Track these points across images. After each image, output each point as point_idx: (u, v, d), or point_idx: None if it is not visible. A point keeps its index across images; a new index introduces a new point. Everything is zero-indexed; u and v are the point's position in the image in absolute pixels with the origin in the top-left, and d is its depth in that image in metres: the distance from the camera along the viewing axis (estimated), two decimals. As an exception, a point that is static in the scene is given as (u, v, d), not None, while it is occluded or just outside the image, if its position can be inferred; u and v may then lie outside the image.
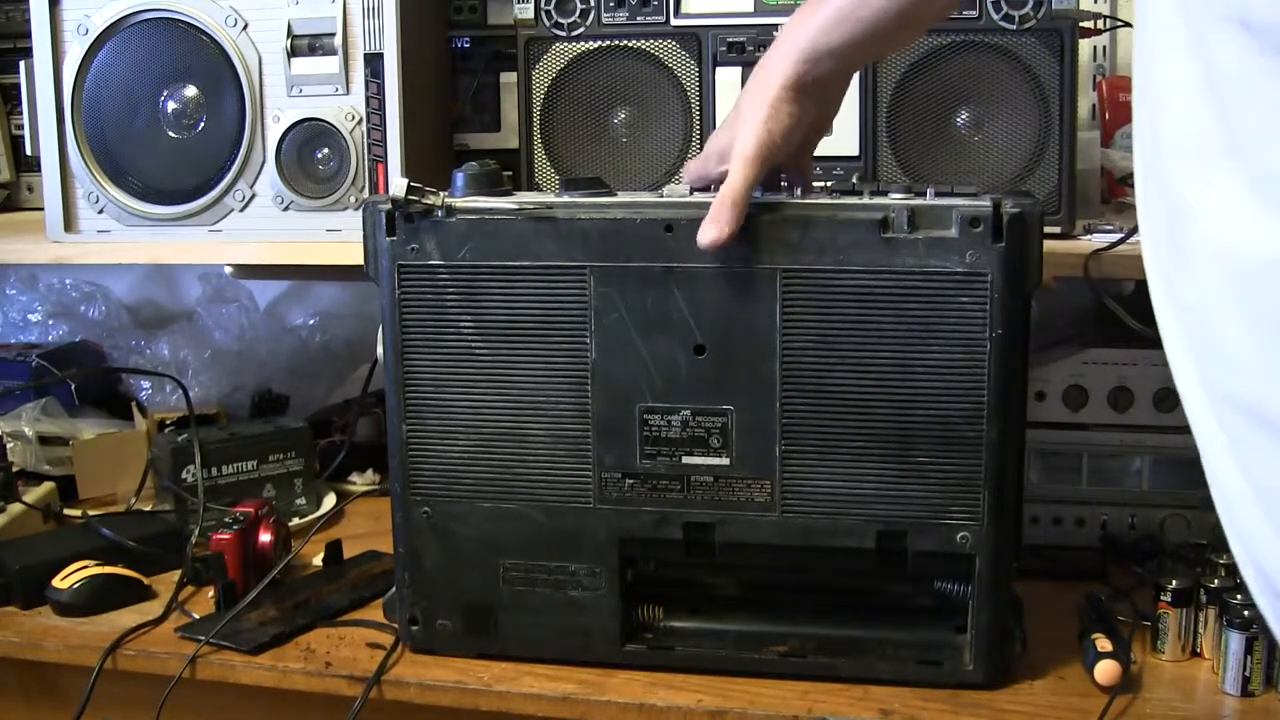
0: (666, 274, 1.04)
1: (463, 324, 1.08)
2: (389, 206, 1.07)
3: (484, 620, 1.12)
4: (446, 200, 1.07)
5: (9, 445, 1.51)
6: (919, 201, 1.01)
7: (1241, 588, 1.09)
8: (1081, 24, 1.31)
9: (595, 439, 1.07)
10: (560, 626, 1.11)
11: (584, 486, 1.08)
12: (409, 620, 1.14)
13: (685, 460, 1.07)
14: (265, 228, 1.39)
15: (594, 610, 1.10)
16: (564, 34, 1.37)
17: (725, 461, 1.06)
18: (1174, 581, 1.12)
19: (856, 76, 1.30)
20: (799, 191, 1.06)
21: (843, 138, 1.32)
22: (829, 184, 1.32)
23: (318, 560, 1.35)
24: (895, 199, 1.02)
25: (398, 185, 1.05)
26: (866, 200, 1.03)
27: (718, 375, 1.05)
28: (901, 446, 1.03)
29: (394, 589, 1.15)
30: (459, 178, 1.09)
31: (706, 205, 1.04)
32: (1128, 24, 1.49)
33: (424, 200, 1.06)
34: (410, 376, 1.10)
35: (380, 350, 1.13)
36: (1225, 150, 0.64)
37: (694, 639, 1.12)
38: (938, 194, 1.03)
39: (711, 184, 1.06)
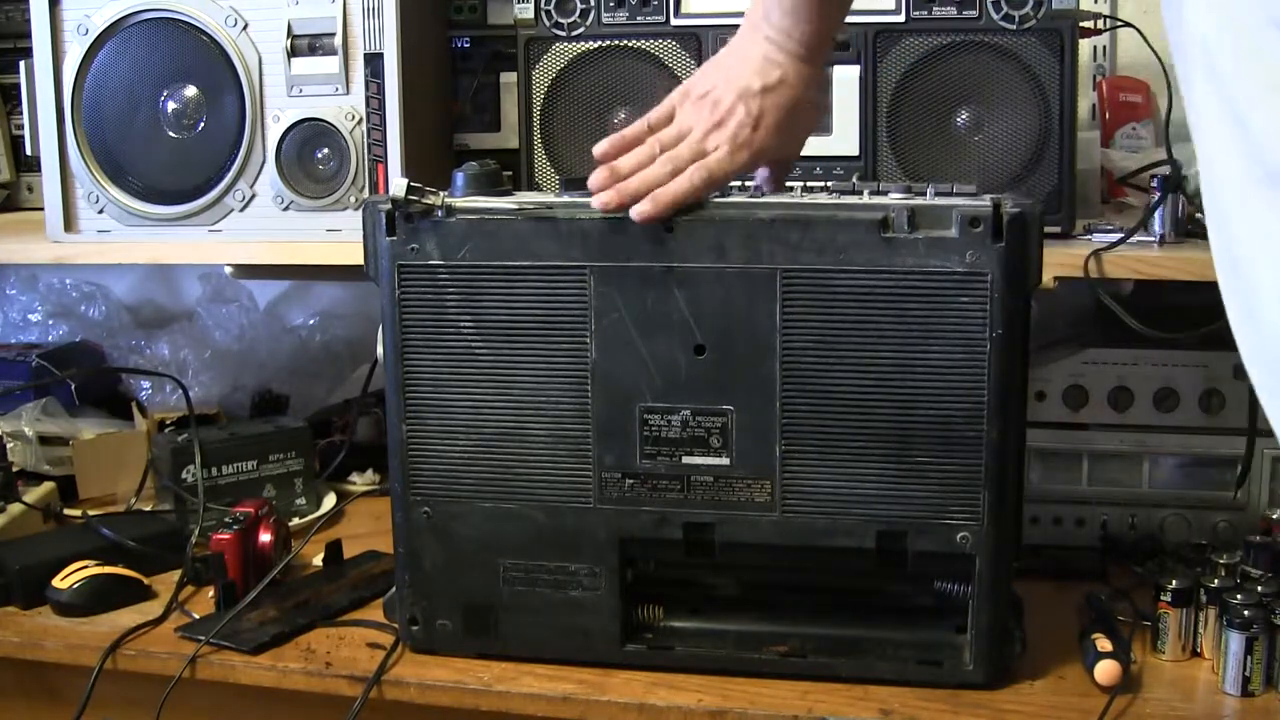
0: (666, 274, 1.03)
1: (463, 324, 1.08)
2: (389, 206, 1.07)
3: (484, 620, 1.12)
4: (446, 200, 1.07)
5: (9, 445, 1.51)
6: (919, 201, 1.01)
7: (1241, 588, 1.09)
8: (1081, 24, 1.31)
9: (595, 439, 1.07)
10: (560, 626, 1.11)
11: (584, 486, 1.08)
12: (409, 620, 1.14)
13: (685, 460, 1.07)
14: (265, 228, 1.39)
15: (594, 610, 1.10)
16: (564, 34, 1.37)
17: (725, 461, 1.06)
18: (1174, 581, 1.11)
19: (857, 76, 1.31)
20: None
21: (843, 138, 1.32)
22: (829, 184, 1.32)
23: (318, 560, 1.35)
24: (895, 199, 1.02)
25: (398, 185, 1.05)
26: (866, 200, 1.03)
27: (718, 375, 1.04)
28: (901, 446, 1.03)
29: (394, 589, 1.15)
30: (459, 178, 1.09)
31: (708, 205, 1.04)
32: (1128, 24, 1.49)
33: (424, 200, 1.06)
34: (410, 376, 1.09)
35: (380, 350, 1.13)
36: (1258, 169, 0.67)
37: (694, 639, 1.12)
38: (938, 193, 1.03)
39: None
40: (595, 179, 1.05)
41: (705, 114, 1.07)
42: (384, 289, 1.09)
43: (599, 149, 1.07)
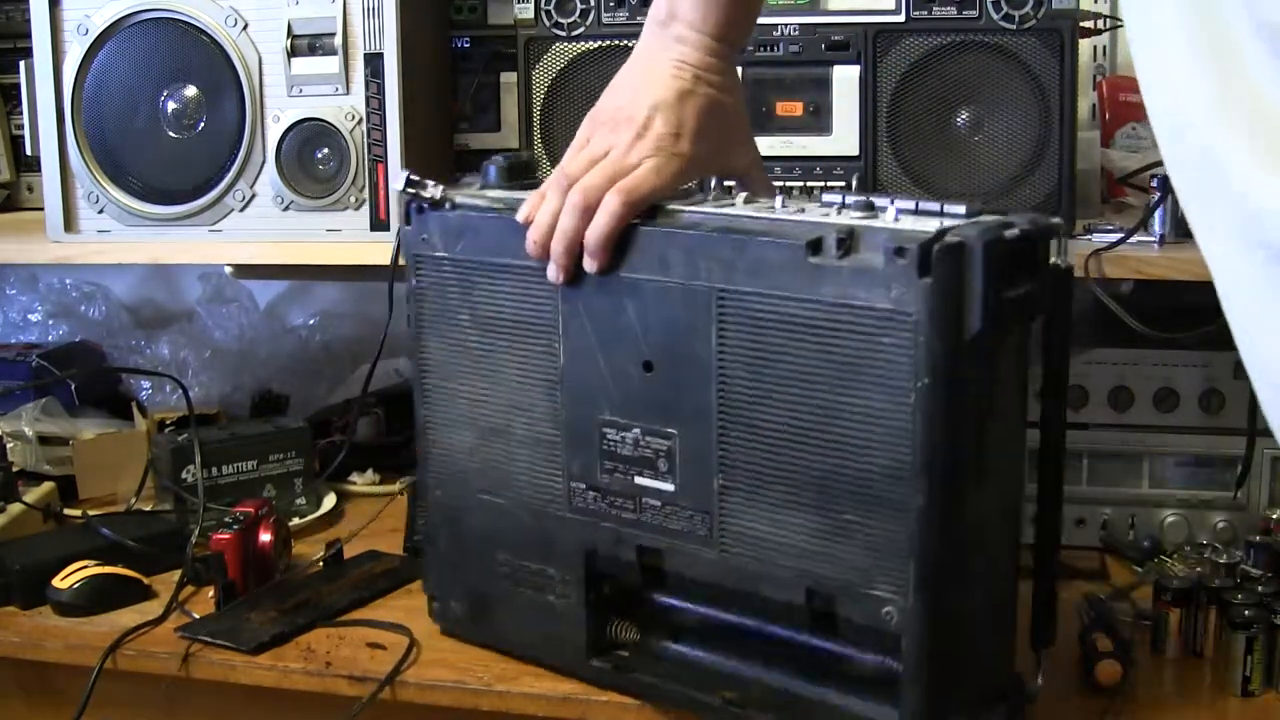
0: (618, 283, 0.97)
1: (461, 316, 1.08)
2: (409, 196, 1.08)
3: (484, 609, 1.12)
4: (444, 193, 1.07)
5: (9, 445, 1.51)
6: (860, 222, 0.88)
7: (1242, 588, 1.09)
8: (1081, 24, 1.31)
9: (564, 446, 1.03)
10: (541, 629, 1.08)
11: (558, 492, 1.05)
12: (431, 597, 1.16)
13: (637, 480, 1.00)
14: (265, 228, 1.39)
15: (565, 618, 1.06)
16: (564, 34, 1.37)
17: (670, 487, 0.98)
18: (1174, 581, 1.12)
19: (856, 76, 1.31)
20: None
21: (843, 138, 1.32)
22: (828, 184, 1.32)
23: (318, 560, 1.35)
24: (835, 219, 0.90)
25: (399, 177, 1.06)
26: (806, 217, 0.91)
27: (663, 395, 0.97)
28: (829, 499, 0.90)
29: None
30: (490, 170, 1.09)
31: (672, 213, 0.98)
32: (1128, 24, 1.49)
33: (421, 192, 1.06)
34: (424, 362, 1.11)
35: None
36: None
37: (658, 665, 1.05)
38: (921, 210, 0.90)
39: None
40: (528, 249, 1.00)
41: (623, 131, 0.99)
42: (408, 277, 1.10)
43: (521, 215, 1.00)
